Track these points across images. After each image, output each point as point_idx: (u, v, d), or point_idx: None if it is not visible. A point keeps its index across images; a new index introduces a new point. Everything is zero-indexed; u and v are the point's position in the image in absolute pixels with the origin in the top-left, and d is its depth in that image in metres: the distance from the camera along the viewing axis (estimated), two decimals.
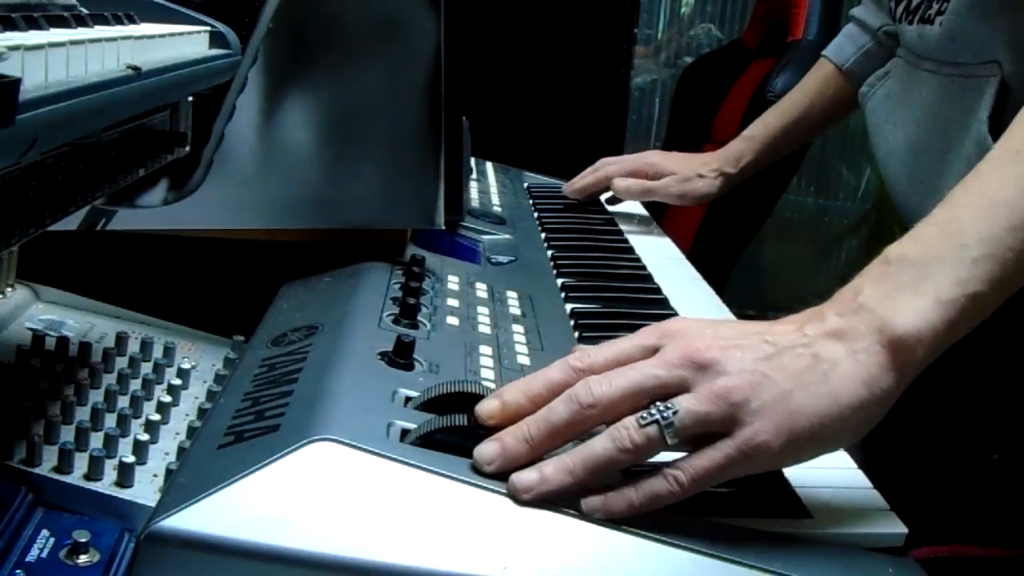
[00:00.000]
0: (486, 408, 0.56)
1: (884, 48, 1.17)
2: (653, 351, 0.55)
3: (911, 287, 0.55)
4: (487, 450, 0.54)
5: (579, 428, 0.54)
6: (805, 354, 0.54)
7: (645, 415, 0.53)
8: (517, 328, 0.79)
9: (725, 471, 0.53)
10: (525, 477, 0.52)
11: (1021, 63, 0.84)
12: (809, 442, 0.53)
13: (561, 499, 0.52)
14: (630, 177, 1.31)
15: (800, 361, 0.54)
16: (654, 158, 1.34)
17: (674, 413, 0.52)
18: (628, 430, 0.52)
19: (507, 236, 1.09)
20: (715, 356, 0.53)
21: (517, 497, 0.52)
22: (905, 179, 0.98)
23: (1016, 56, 0.84)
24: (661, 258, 1.15)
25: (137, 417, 0.70)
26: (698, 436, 0.53)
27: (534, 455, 0.54)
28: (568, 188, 1.35)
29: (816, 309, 0.57)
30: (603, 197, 1.36)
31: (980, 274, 0.55)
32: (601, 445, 0.53)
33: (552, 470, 0.52)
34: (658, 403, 0.53)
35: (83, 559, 0.55)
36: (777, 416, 0.52)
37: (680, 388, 0.53)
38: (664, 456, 0.54)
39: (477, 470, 0.54)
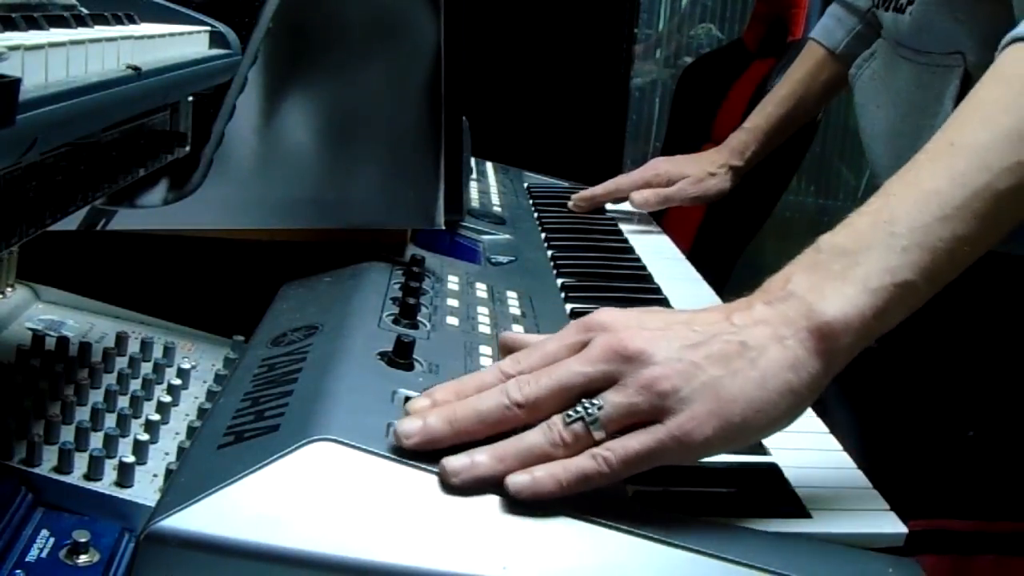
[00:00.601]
0: (417, 405, 0.55)
1: (873, 29, 1.18)
2: (581, 347, 0.55)
3: (840, 275, 0.55)
4: (409, 425, 0.53)
5: (505, 425, 0.54)
6: (732, 341, 0.54)
7: (571, 412, 0.53)
8: (517, 328, 0.79)
9: (655, 456, 0.52)
10: (456, 461, 0.52)
11: (983, 54, 0.85)
12: (740, 428, 0.53)
13: (489, 487, 0.52)
14: (645, 188, 1.31)
15: (728, 348, 0.54)
16: (664, 166, 1.34)
17: (599, 408, 0.52)
18: (556, 427, 0.53)
19: (507, 236, 1.09)
20: (640, 347, 0.53)
21: (446, 480, 0.51)
22: (885, 161, 1.00)
23: (979, 47, 0.85)
24: (661, 258, 1.15)
25: (137, 417, 0.70)
26: (628, 428, 0.53)
27: (456, 440, 0.53)
28: (577, 199, 1.33)
29: (744, 299, 0.57)
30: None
31: (909, 262, 0.55)
32: (532, 437, 0.53)
33: (484, 457, 0.52)
34: (584, 400, 0.53)
35: (83, 559, 0.55)
36: (707, 403, 0.52)
37: (607, 382, 0.53)
38: None
39: (396, 445, 0.53)
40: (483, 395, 0.55)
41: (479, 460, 0.52)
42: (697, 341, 0.54)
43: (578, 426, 0.52)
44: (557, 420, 0.53)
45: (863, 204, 0.58)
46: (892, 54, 0.99)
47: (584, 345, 0.55)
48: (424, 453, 0.53)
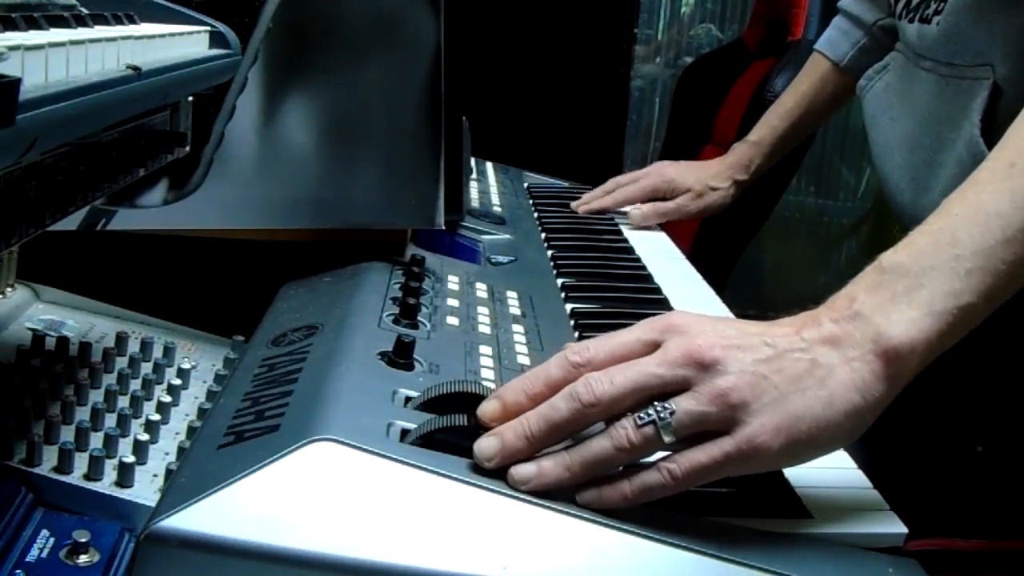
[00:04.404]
0: (488, 410, 0.56)
1: (879, 43, 1.18)
2: (654, 346, 0.55)
3: (905, 297, 0.56)
4: (487, 445, 0.54)
5: (579, 425, 0.54)
6: (803, 359, 0.54)
7: (643, 415, 0.53)
8: (517, 328, 0.79)
9: (721, 468, 0.53)
10: (524, 469, 0.53)
11: (1013, 67, 0.85)
12: (806, 445, 0.54)
13: (557, 493, 0.52)
14: (647, 198, 1.31)
15: (798, 365, 0.54)
16: (669, 172, 1.34)
17: (671, 413, 0.53)
18: (626, 429, 0.53)
19: (507, 236, 1.09)
20: (717, 355, 0.54)
21: (515, 488, 0.52)
22: (899, 173, 0.99)
23: (1008, 59, 0.85)
24: (661, 258, 1.15)
25: (137, 417, 0.70)
26: (697, 435, 0.53)
27: (533, 451, 0.54)
28: (579, 206, 1.33)
29: (812, 313, 0.57)
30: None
31: (972, 285, 0.56)
32: (599, 443, 0.53)
33: (550, 465, 0.53)
34: (656, 403, 0.53)
35: (83, 559, 0.55)
36: (776, 418, 0.53)
37: (681, 387, 0.54)
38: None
39: (477, 466, 0.54)
40: (555, 404, 0.54)
41: (547, 470, 0.53)
42: (769, 356, 0.54)
43: (649, 429, 0.53)
44: (627, 423, 0.53)
45: (922, 223, 0.59)
46: (910, 66, 0.98)
47: (656, 345, 0.55)
48: (428, 453, 0.53)
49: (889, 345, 0.55)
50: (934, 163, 0.92)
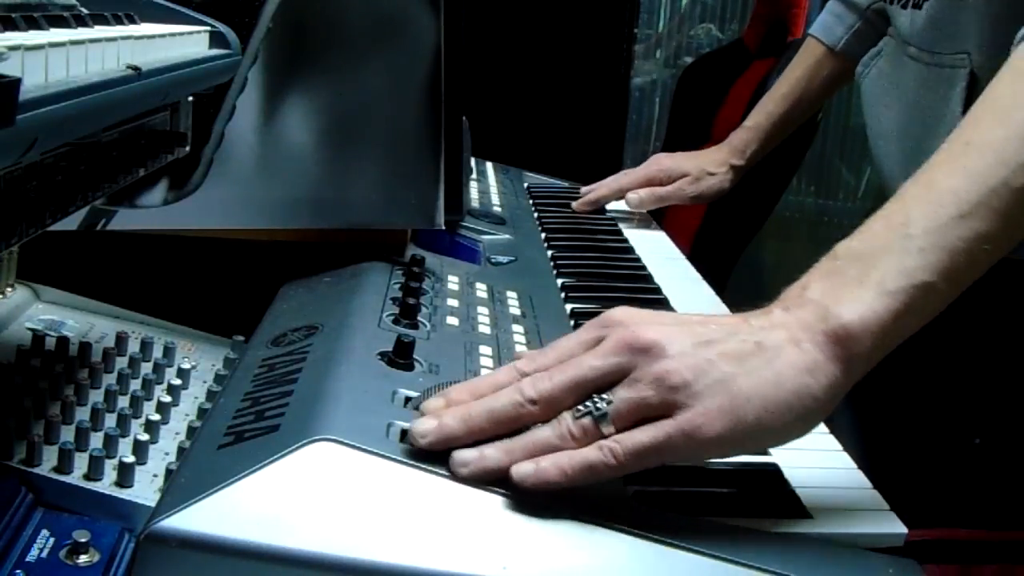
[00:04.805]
0: (431, 404, 0.55)
1: (873, 26, 1.18)
2: (596, 343, 0.55)
3: (856, 279, 0.55)
4: (424, 424, 0.53)
5: (519, 422, 0.54)
6: (748, 341, 0.53)
7: (580, 408, 0.53)
8: (517, 328, 0.79)
9: (663, 450, 0.52)
10: (465, 453, 0.52)
11: (988, 55, 0.85)
12: (753, 428, 0.52)
13: (498, 480, 0.52)
14: (643, 186, 1.31)
15: (743, 347, 0.53)
16: (665, 162, 1.34)
17: (608, 403, 0.52)
18: (565, 420, 0.53)
19: (507, 236, 1.09)
20: (653, 339, 0.53)
21: (455, 472, 0.52)
22: (891, 160, 1.00)
23: (984, 47, 0.85)
24: (661, 258, 1.15)
25: (137, 417, 0.70)
26: (639, 422, 0.52)
27: (470, 439, 0.53)
28: (580, 203, 1.33)
29: (761, 308, 0.57)
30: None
31: (926, 263, 0.54)
32: (542, 432, 0.53)
33: (492, 450, 0.52)
34: (594, 395, 0.53)
35: (83, 559, 0.55)
36: (719, 399, 0.52)
37: (621, 375, 0.53)
38: None
39: (410, 445, 0.53)
40: (498, 394, 0.54)
41: (488, 453, 0.52)
42: (712, 338, 0.53)
43: (587, 420, 0.52)
44: (567, 415, 0.53)
45: (879, 209, 0.58)
46: (899, 53, 0.99)
47: (599, 341, 0.55)
48: (427, 453, 0.53)
49: (839, 324, 0.53)
50: (921, 151, 0.92)
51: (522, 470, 0.51)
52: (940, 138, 0.89)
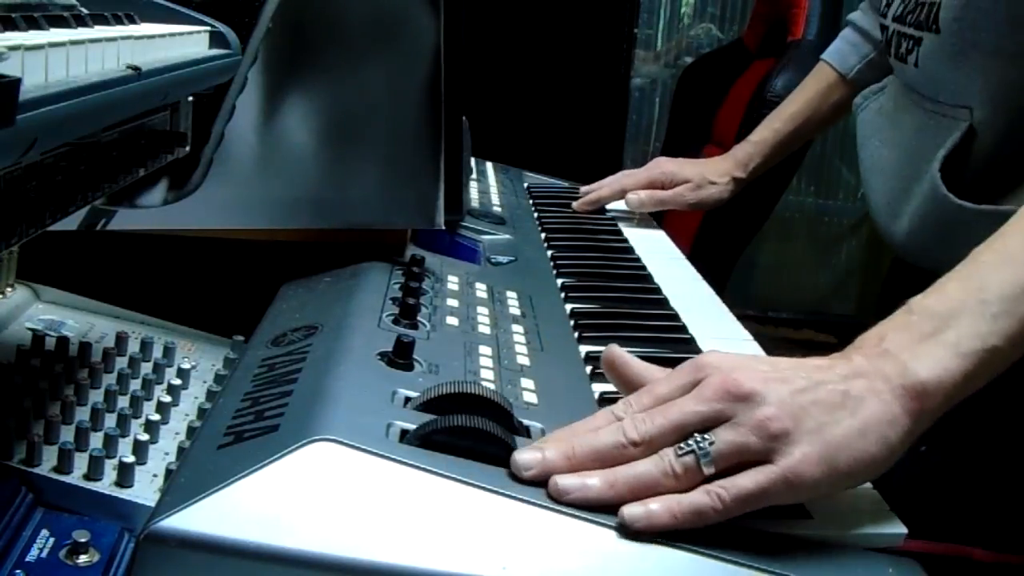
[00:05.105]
0: (525, 459, 0.55)
1: (885, 58, 1.18)
2: (692, 387, 0.56)
3: (932, 337, 0.57)
4: (528, 457, 0.54)
5: (619, 461, 0.55)
6: (836, 390, 0.55)
7: (683, 445, 0.54)
8: (517, 328, 0.79)
9: (766, 495, 0.53)
10: (568, 480, 0.53)
11: (991, 112, 0.87)
12: (844, 474, 0.55)
13: (599, 509, 0.53)
14: (644, 188, 1.31)
15: (833, 396, 0.55)
16: (668, 166, 1.35)
17: (710, 444, 0.54)
18: (668, 456, 0.54)
19: (507, 236, 1.09)
20: (754, 388, 0.55)
21: (557, 498, 0.53)
22: (879, 196, 1.02)
23: (987, 104, 0.88)
24: (661, 258, 1.15)
25: (137, 417, 0.70)
26: (736, 466, 0.54)
27: (571, 472, 0.54)
28: (581, 203, 1.33)
29: (842, 352, 0.59)
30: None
31: (998, 329, 0.57)
32: (644, 467, 0.54)
33: (595, 480, 0.53)
34: (696, 435, 0.54)
35: (83, 559, 0.55)
36: (817, 447, 0.54)
37: (720, 420, 0.54)
38: None
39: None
40: (600, 432, 0.56)
41: (591, 483, 0.53)
42: (805, 387, 0.55)
43: (689, 459, 0.54)
44: (669, 451, 0.54)
45: (952, 270, 0.61)
46: (902, 95, 1.00)
47: (695, 385, 0.56)
48: (424, 454, 0.53)
49: (916, 380, 0.56)
50: (907, 192, 0.95)
51: (633, 512, 0.52)
52: (923, 184, 0.91)
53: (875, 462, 0.55)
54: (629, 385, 0.61)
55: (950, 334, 0.57)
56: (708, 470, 0.53)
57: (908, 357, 0.57)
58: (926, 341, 0.57)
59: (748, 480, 0.53)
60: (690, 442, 0.54)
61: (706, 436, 0.54)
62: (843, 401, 0.55)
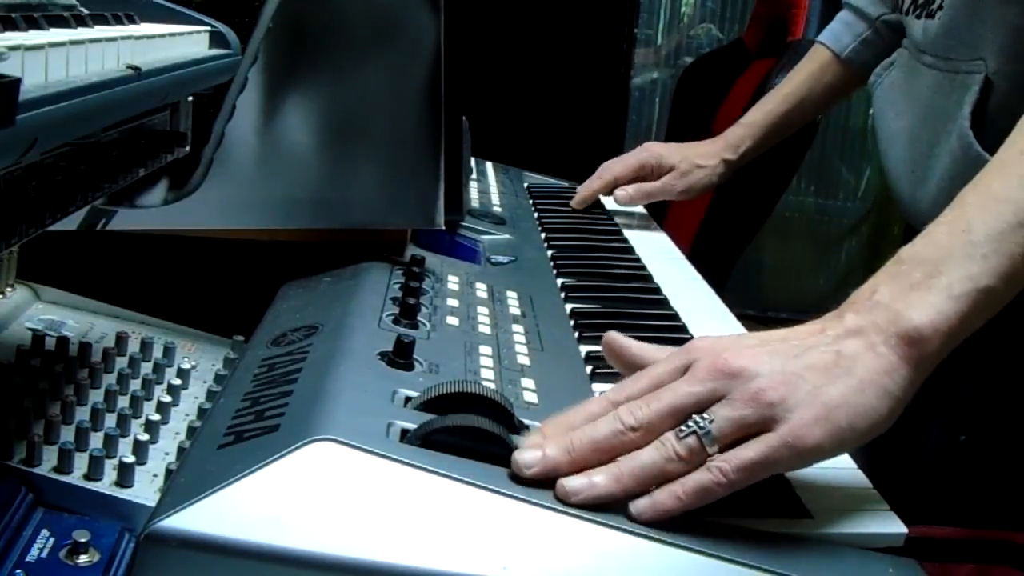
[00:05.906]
0: (532, 439, 0.56)
1: (881, 37, 1.19)
2: (684, 371, 0.57)
3: (923, 284, 0.58)
4: (528, 455, 0.54)
5: (620, 450, 0.55)
6: (828, 351, 0.56)
7: (683, 428, 0.54)
8: (517, 328, 0.79)
9: (770, 463, 0.54)
10: (575, 482, 0.53)
11: (1004, 61, 0.87)
12: (847, 432, 0.55)
13: (607, 506, 0.53)
14: (635, 177, 1.31)
15: (825, 358, 0.56)
16: (656, 149, 1.33)
17: (710, 422, 0.54)
18: (670, 441, 0.54)
19: (507, 236, 1.09)
20: (743, 363, 0.55)
21: (566, 500, 0.53)
22: (900, 166, 1.01)
23: (1000, 53, 0.88)
24: (661, 258, 1.15)
25: (137, 417, 0.70)
26: (739, 440, 0.54)
27: (573, 468, 0.54)
28: (578, 199, 1.32)
29: (834, 312, 0.59)
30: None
31: (989, 269, 0.57)
32: (647, 456, 0.54)
33: (601, 477, 0.54)
34: (695, 416, 0.54)
35: (83, 559, 0.55)
36: (814, 410, 0.54)
37: (715, 399, 0.55)
38: None
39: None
40: (597, 423, 0.56)
41: (597, 481, 0.54)
42: (796, 354, 0.56)
43: (691, 440, 0.54)
44: (670, 436, 0.54)
45: (939, 216, 0.61)
46: (913, 62, 1.01)
47: (687, 368, 0.57)
48: (424, 454, 0.53)
49: (911, 326, 0.56)
50: (931, 156, 0.94)
51: (639, 506, 0.53)
52: (950, 143, 0.90)
53: (879, 415, 0.55)
54: (629, 367, 0.62)
55: (941, 279, 0.57)
56: (712, 449, 0.54)
57: (901, 306, 0.57)
58: (918, 288, 0.57)
59: (750, 451, 0.53)
60: (689, 423, 0.54)
61: (704, 415, 0.54)
62: (836, 361, 0.56)
